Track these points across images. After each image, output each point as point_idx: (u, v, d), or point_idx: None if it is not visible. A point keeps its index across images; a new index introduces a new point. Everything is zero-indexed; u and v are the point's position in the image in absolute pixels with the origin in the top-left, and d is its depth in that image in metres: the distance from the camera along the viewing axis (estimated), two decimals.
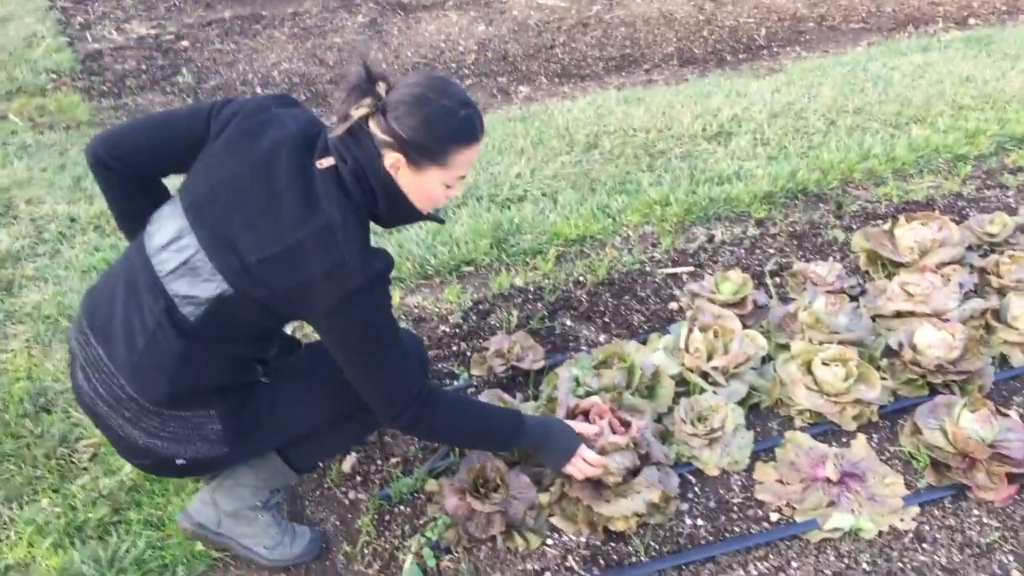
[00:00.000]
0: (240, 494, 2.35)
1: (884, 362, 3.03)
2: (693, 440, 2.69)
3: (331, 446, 2.48)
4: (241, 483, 2.34)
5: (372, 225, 2.12)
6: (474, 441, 2.43)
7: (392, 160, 1.99)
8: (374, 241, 2.06)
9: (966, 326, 3.09)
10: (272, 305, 1.99)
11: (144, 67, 6.35)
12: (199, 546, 2.45)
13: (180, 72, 6.26)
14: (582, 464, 2.38)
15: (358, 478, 2.71)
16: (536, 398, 2.91)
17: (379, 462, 2.76)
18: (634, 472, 2.52)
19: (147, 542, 2.47)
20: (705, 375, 2.90)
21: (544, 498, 2.52)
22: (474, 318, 3.43)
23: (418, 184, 2.04)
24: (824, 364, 2.87)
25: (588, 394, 2.76)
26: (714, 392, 2.83)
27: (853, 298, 3.42)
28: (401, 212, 2.10)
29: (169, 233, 2.02)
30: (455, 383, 3.07)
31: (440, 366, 3.15)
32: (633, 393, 2.79)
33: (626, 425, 2.54)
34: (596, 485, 2.49)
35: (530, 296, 3.57)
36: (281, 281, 1.94)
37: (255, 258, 1.93)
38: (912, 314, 3.22)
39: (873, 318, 3.27)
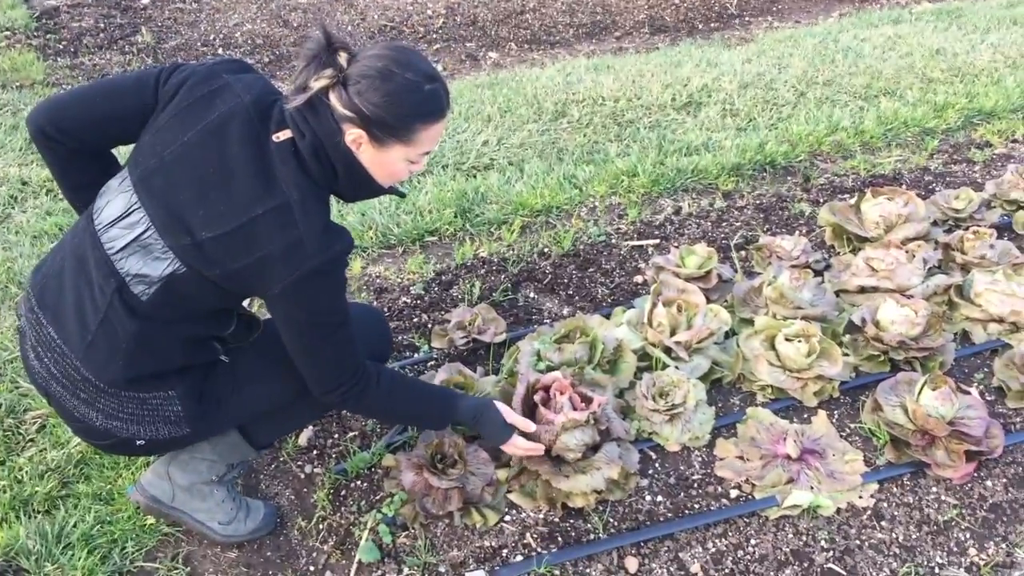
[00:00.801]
0: (196, 468, 2.29)
1: (847, 338, 3.02)
2: (654, 416, 2.67)
3: (291, 422, 2.43)
4: (197, 457, 2.29)
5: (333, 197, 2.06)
6: (406, 421, 2.50)
7: (354, 136, 1.90)
8: (335, 213, 1.99)
9: (929, 302, 3.09)
10: (225, 284, 1.92)
11: (102, 25, 6.17)
12: (149, 521, 2.40)
13: (139, 31, 6.09)
14: (518, 445, 2.36)
15: (314, 452, 2.66)
16: (497, 372, 2.87)
17: (336, 436, 2.71)
18: (594, 448, 2.49)
19: (96, 517, 2.41)
20: (668, 350, 2.88)
21: (503, 474, 2.49)
22: (436, 289, 3.38)
23: (381, 160, 1.96)
24: (787, 340, 2.85)
25: (549, 369, 2.72)
26: (676, 367, 2.81)
27: (818, 273, 3.40)
28: (362, 188, 2.03)
29: (118, 208, 1.93)
30: (415, 356, 3.02)
31: (401, 338, 3.10)
32: (595, 368, 2.76)
33: (587, 401, 2.50)
34: (555, 460, 2.46)
35: (494, 267, 3.52)
36: (234, 260, 1.87)
37: (207, 235, 1.85)
38: (876, 290, 3.22)
39: (837, 293, 3.26)
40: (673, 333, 2.89)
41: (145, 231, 1.89)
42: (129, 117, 2.00)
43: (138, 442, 2.09)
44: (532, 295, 3.35)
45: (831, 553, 2.35)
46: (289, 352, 2.04)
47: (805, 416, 2.79)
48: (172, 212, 1.88)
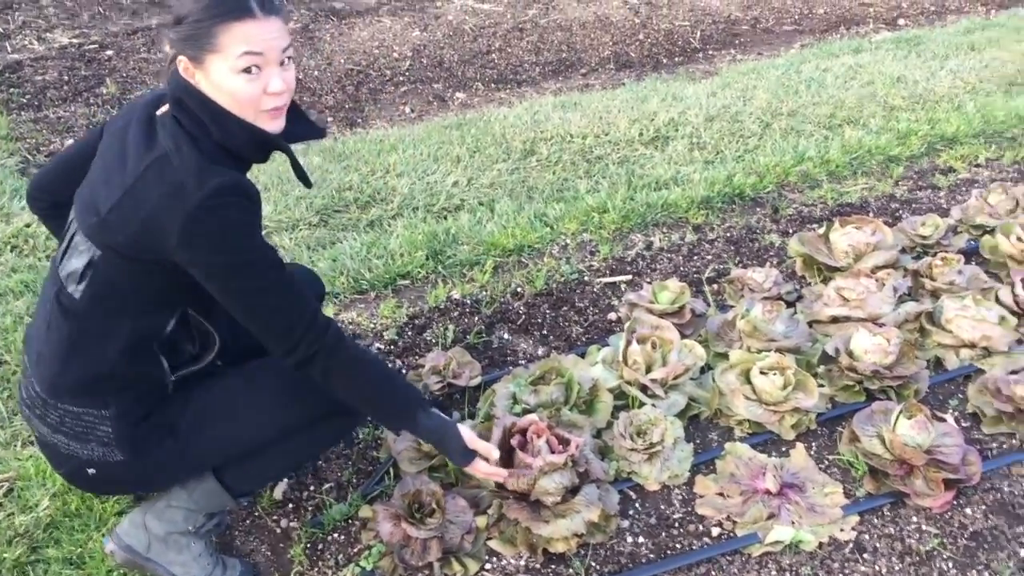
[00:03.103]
0: (172, 517, 2.25)
1: (821, 368, 3.02)
2: (632, 455, 2.65)
3: (271, 468, 2.34)
4: (174, 505, 2.24)
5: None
6: (371, 400, 2.17)
7: (182, 66, 1.90)
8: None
9: (901, 330, 3.11)
10: (134, 255, 1.90)
11: (66, 78, 6.14)
12: None
13: (104, 83, 6.06)
14: (479, 468, 2.31)
15: (290, 505, 2.62)
16: (473, 416, 2.85)
17: (311, 488, 2.67)
18: (573, 490, 2.46)
19: None
20: (644, 388, 2.87)
21: (482, 521, 2.45)
22: (410, 333, 3.36)
23: (215, 84, 1.88)
24: (762, 373, 2.85)
25: (525, 411, 2.70)
26: (653, 405, 2.80)
27: (790, 304, 3.41)
28: (231, 127, 1.91)
29: (67, 226, 2.07)
30: None
31: None
32: (571, 408, 2.75)
33: (564, 443, 2.48)
34: (535, 506, 2.44)
35: (467, 309, 3.50)
36: (130, 223, 1.87)
37: (106, 208, 1.90)
38: (848, 319, 3.23)
39: (810, 324, 3.27)
40: (648, 370, 2.88)
41: (75, 231, 1.99)
42: (86, 161, 2.11)
43: (89, 470, 2.08)
44: (506, 336, 3.33)
45: None
46: (241, 321, 1.97)
47: (783, 449, 2.78)
48: (87, 202, 1.97)
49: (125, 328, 2.01)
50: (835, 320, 3.26)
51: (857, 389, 2.94)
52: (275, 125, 1.99)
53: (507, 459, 2.47)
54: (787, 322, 3.14)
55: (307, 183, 2.20)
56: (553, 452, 2.44)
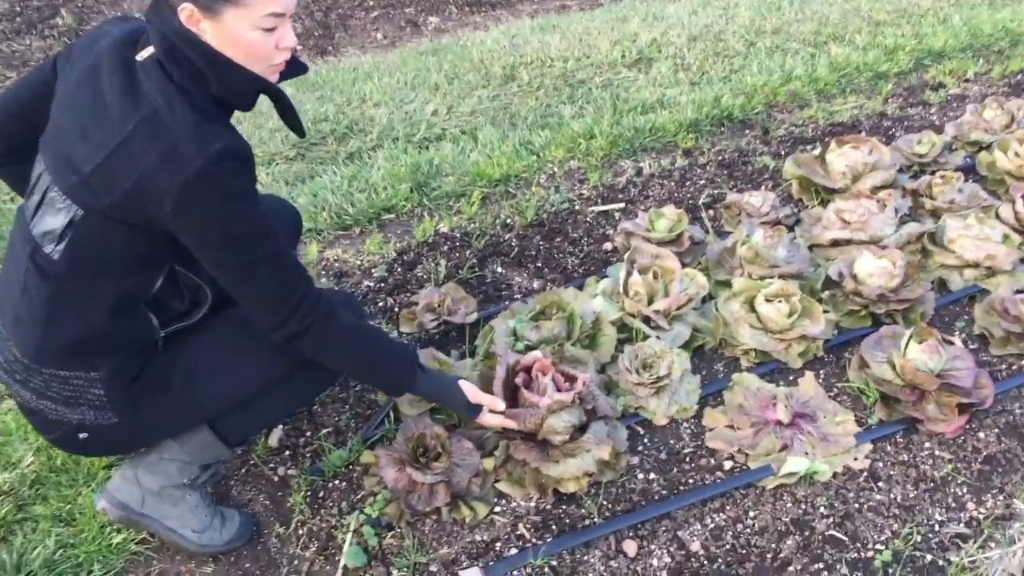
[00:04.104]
0: (166, 470, 2.15)
1: (826, 294, 2.95)
2: (639, 389, 2.57)
3: (266, 415, 2.26)
4: (167, 458, 2.14)
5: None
6: (366, 370, 2.18)
7: (186, 14, 1.74)
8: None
9: (903, 251, 3.03)
10: (121, 218, 1.77)
11: (18, 9, 5.83)
12: (116, 539, 2.25)
13: (59, 13, 5.76)
14: (487, 421, 2.28)
15: (287, 452, 2.52)
16: (472, 354, 2.75)
17: (308, 434, 2.57)
18: (581, 428, 2.39)
19: (57, 540, 2.25)
20: (647, 319, 2.78)
21: (489, 463, 2.38)
22: (399, 270, 3.24)
23: (227, 36, 1.76)
24: (767, 300, 2.77)
25: (528, 348, 2.61)
26: (657, 337, 2.71)
27: (789, 228, 3.32)
28: (234, 79, 1.80)
29: (33, 177, 1.89)
30: None
31: None
32: (574, 344, 2.66)
33: (570, 380, 2.40)
34: (542, 445, 2.36)
35: (457, 243, 3.38)
36: (118, 185, 1.73)
37: (89, 168, 1.75)
38: (850, 242, 3.15)
39: (810, 248, 3.19)
40: (651, 302, 2.79)
41: (48, 186, 1.82)
42: (41, 101, 1.93)
43: (80, 435, 1.98)
44: (500, 270, 3.22)
45: (831, 519, 2.29)
46: (228, 289, 1.88)
47: (791, 378, 2.72)
48: (61, 156, 1.81)
49: (110, 289, 1.87)
50: (836, 243, 3.18)
51: (863, 314, 2.87)
52: (276, 76, 1.90)
53: (512, 398, 2.39)
54: (788, 247, 3.05)
55: (300, 132, 2.06)
56: (559, 390, 2.36)
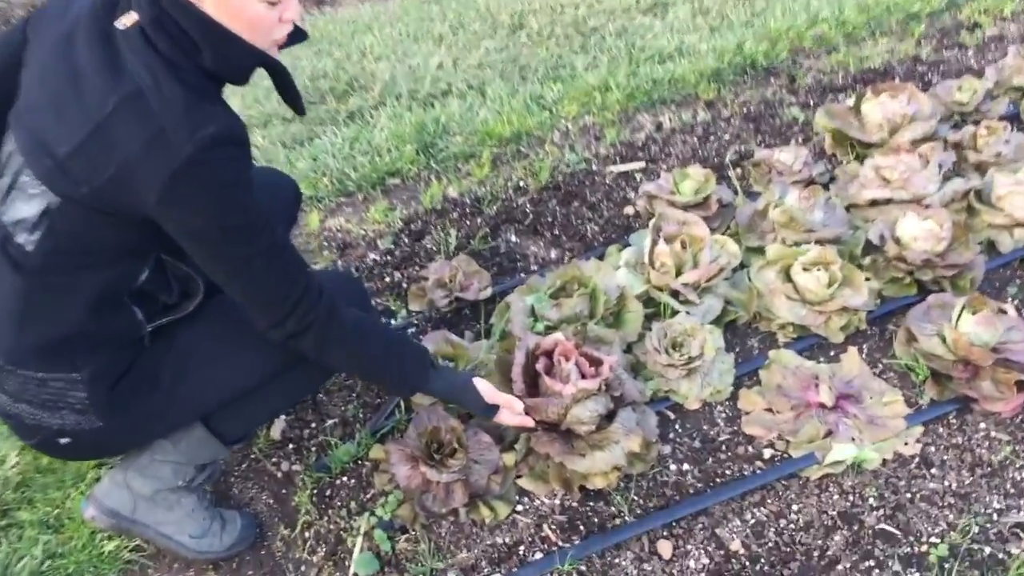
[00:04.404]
0: (159, 473, 1.97)
1: (866, 260, 2.74)
2: (669, 371, 2.38)
3: (265, 409, 2.08)
4: (159, 459, 1.96)
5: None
6: (374, 372, 1.99)
7: None
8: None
9: (948, 210, 2.81)
10: (101, 207, 1.58)
11: None
12: (108, 547, 2.08)
13: None
14: (504, 419, 2.09)
15: (290, 446, 2.34)
16: (488, 334, 2.56)
17: (313, 425, 2.39)
18: (608, 417, 2.20)
19: (45, 549, 2.08)
20: (675, 293, 2.57)
21: (509, 458, 2.19)
22: (407, 240, 3.03)
23: (229, 6, 1.58)
24: (804, 269, 2.56)
25: (548, 329, 2.41)
26: (687, 313, 2.51)
27: (823, 186, 3.09)
28: (232, 52, 1.62)
29: (2, 156, 1.69)
30: (393, 321, 2.68)
31: (374, 302, 2.76)
32: (598, 322, 2.45)
33: (595, 363, 2.20)
34: (566, 436, 2.17)
35: (467, 209, 3.16)
36: (98, 172, 1.54)
37: (65, 151, 1.55)
38: (889, 201, 2.93)
39: (847, 208, 2.96)
40: (679, 273, 2.58)
41: (19, 169, 1.62)
42: (10, 71, 1.71)
43: (61, 440, 1.80)
44: (514, 239, 3.01)
45: (881, 511, 2.11)
46: (217, 283, 1.71)
47: (832, 354, 2.52)
48: (35, 137, 1.60)
49: (91, 282, 1.68)
50: (875, 203, 2.95)
51: (907, 281, 2.66)
52: (276, 50, 1.71)
53: (532, 384, 2.20)
54: (825, 209, 2.83)
55: (300, 109, 1.86)
56: (584, 376, 2.16)
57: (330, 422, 2.38)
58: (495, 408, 2.06)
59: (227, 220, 1.60)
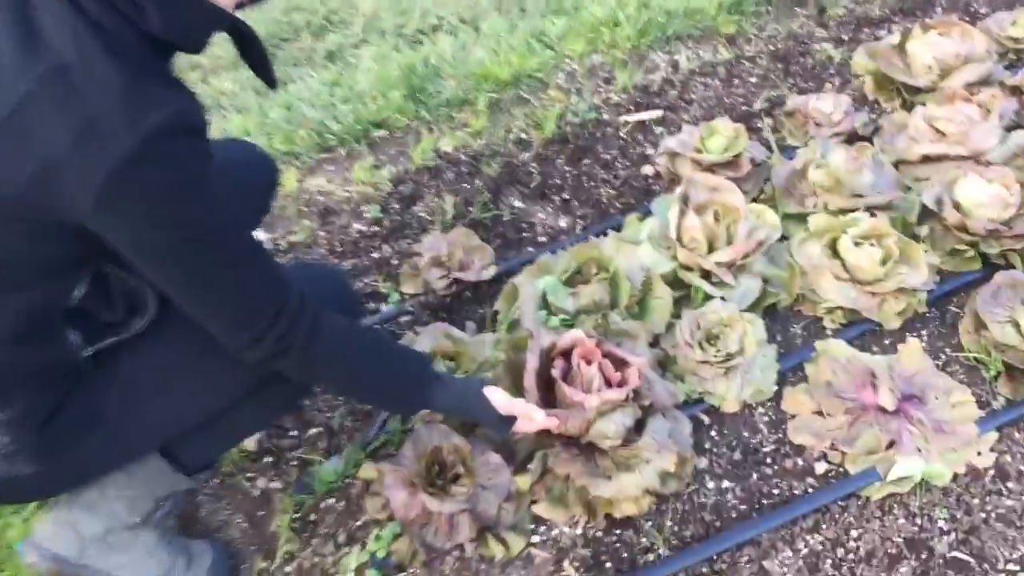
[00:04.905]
0: (110, 509, 1.66)
1: (923, 229, 2.40)
2: (703, 369, 2.06)
3: (232, 434, 1.77)
4: (111, 494, 1.65)
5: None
6: (369, 391, 1.71)
7: None
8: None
9: (1012, 169, 2.46)
10: (23, 214, 1.24)
11: None
12: None
13: None
14: (520, 431, 1.79)
15: (267, 459, 2.03)
16: (494, 323, 2.22)
17: (294, 434, 2.07)
18: (636, 427, 1.89)
19: None
20: (706, 273, 2.23)
21: (523, 482, 1.87)
22: (396, 207, 2.66)
23: None
24: (856, 244, 2.22)
25: (565, 324, 2.08)
26: (723, 298, 2.18)
27: (867, 139, 2.74)
28: (187, 14, 1.28)
29: None
30: (384, 308, 2.34)
31: (361, 283, 2.41)
32: (621, 313, 2.12)
33: (620, 365, 1.89)
34: (588, 452, 1.87)
35: (463, 169, 2.79)
36: (15, 169, 1.19)
37: None
38: (945, 158, 2.57)
39: (895, 164, 2.61)
40: (711, 249, 2.23)
41: None
42: None
43: None
44: (518, 204, 2.65)
45: (953, 536, 1.83)
46: (173, 300, 1.39)
47: (888, 342, 2.20)
48: None
49: (13, 305, 1.34)
50: (927, 159, 2.60)
51: (971, 254, 2.33)
52: (234, 8, 1.35)
53: (546, 391, 1.88)
54: (875, 170, 2.48)
55: (271, 81, 1.49)
56: (610, 384, 1.85)
57: (313, 431, 2.06)
58: (511, 421, 1.75)
59: (182, 229, 1.27)
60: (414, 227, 2.56)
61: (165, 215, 1.25)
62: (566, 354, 1.91)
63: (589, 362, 1.87)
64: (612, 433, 1.83)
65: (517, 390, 1.92)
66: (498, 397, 1.72)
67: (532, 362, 1.89)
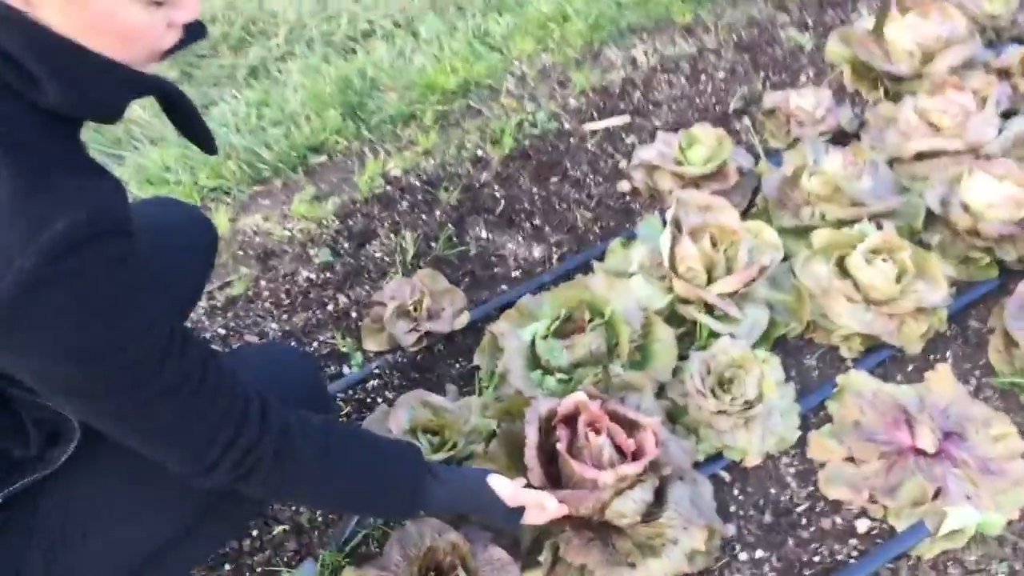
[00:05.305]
0: None
1: (934, 239, 2.20)
2: (719, 421, 1.82)
3: (177, 567, 1.47)
4: None
5: None
6: (353, 502, 1.45)
7: None
8: None
9: (1014, 161, 2.27)
10: None
11: None
12: None
13: None
14: (531, 520, 1.53)
15: (226, 567, 1.74)
16: (475, 383, 1.95)
17: (255, 535, 1.77)
18: (656, 498, 1.64)
19: None
20: (708, 307, 1.99)
21: None
22: (348, 247, 2.36)
23: (87, 14, 0.95)
24: (867, 261, 2.01)
25: (563, 386, 1.81)
26: (732, 336, 1.94)
27: (853, 135, 2.54)
28: (96, 83, 1.00)
29: None
30: (348, 371, 2.05)
31: (316, 342, 2.12)
32: (623, 364, 1.87)
33: (632, 429, 1.64)
34: (604, 536, 1.62)
35: (418, 195, 2.50)
36: None
37: None
38: (942, 154, 2.38)
39: (889, 164, 2.40)
40: (711, 280, 1.99)
41: None
42: None
43: None
44: (484, 234, 2.37)
45: None
46: (117, 439, 1.12)
47: (910, 368, 1.99)
48: None
49: None
50: (922, 156, 2.40)
51: (986, 262, 2.14)
52: (154, 67, 1.09)
53: (548, 464, 1.63)
54: (875, 175, 2.26)
55: (210, 147, 1.25)
56: (622, 452, 1.60)
57: (278, 530, 1.76)
58: (520, 512, 1.49)
59: (106, 361, 0.99)
60: (371, 271, 2.27)
61: (77, 345, 0.96)
62: (568, 420, 1.65)
63: (598, 431, 1.61)
64: (631, 512, 1.58)
65: (514, 466, 1.67)
66: (504, 487, 1.46)
67: (532, 436, 1.62)
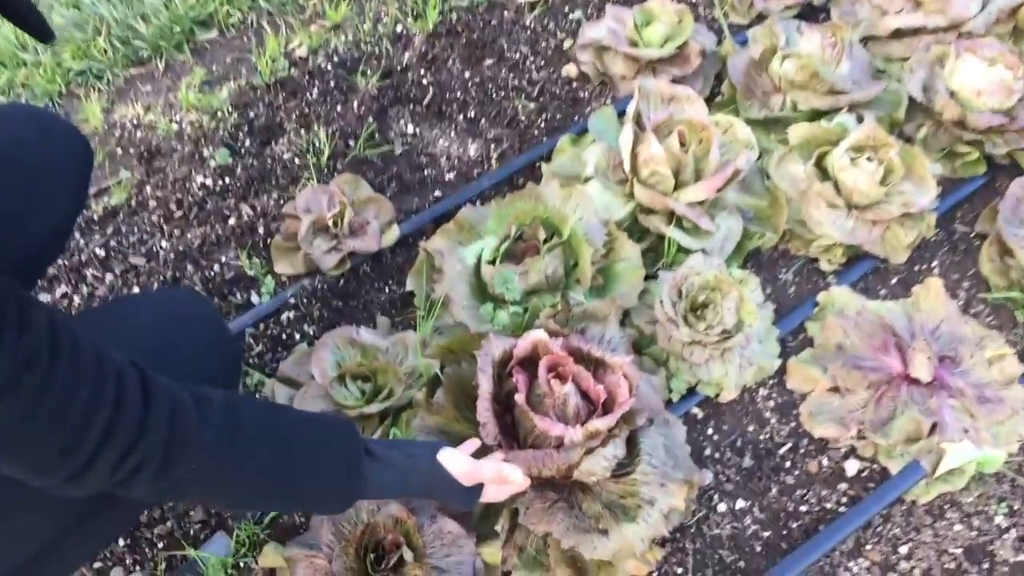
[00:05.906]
0: None
1: (920, 132, 1.97)
2: (694, 351, 1.59)
3: (81, 553, 1.25)
4: None
5: None
6: (267, 497, 1.14)
7: None
8: None
9: (993, 39, 2.05)
10: None
11: None
12: None
13: None
14: (490, 496, 1.29)
15: (121, 541, 1.46)
16: (409, 311, 1.67)
17: (159, 514, 1.50)
18: (628, 447, 1.42)
19: None
20: (675, 217, 1.73)
21: (490, 553, 1.38)
22: (249, 145, 2.00)
23: None
24: (852, 159, 1.77)
25: (516, 319, 1.55)
26: (704, 251, 1.69)
27: (822, 11, 2.26)
28: None
29: None
30: (259, 301, 1.74)
31: (217, 265, 1.79)
32: (585, 290, 1.60)
33: (598, 369, 1.40)
34: (569, 497, 1.39)
35: (330, 80, 2.13)
36: None
37: None
38: (922, 31, 2.12)
39: (862, 42, 2.15)
40: (678, 185, 1.73)
41: None
42: None
43: None
44: (412, 129, 2.04)
45: (1014, 533, 1.48)
46: None
47: (893, 281, 1.79)
48: None
49: None
50: (898, 34, 2.14)
51: (974, 157, 1.92)
52: None
53: (504, 414, 1.38)
54: (854, 59, 2.00)
55: (45, 35, 0.93)
56: (590, 399, 1.36)
57: (195, 514, 1.49)
58: (478, 491, 1.25)
59: None
60: (279, 175, 1.92)
61: None
62: (526, 363, 1.40)
63: (562, 377, 1.36)
64: (601, 471, 1.36)
65: (463, 418, 1.42)
66: (457, 464, 1.21)
67: (485, 385, 1.37)
